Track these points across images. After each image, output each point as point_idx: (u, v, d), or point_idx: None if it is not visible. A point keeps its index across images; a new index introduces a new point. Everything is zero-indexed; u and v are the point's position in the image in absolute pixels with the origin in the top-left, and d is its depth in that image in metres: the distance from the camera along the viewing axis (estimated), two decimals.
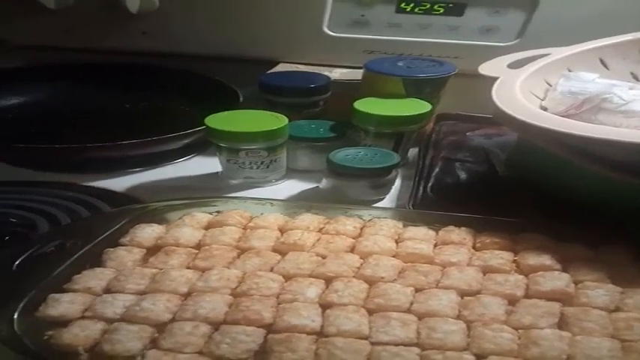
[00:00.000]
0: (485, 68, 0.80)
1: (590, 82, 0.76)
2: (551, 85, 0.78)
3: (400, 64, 0.92)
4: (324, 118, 0.91)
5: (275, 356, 0.44)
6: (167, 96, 1.08)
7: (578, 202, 0.63)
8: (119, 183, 0.81)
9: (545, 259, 0.55)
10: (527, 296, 0.50)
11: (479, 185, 0.78)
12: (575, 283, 0.52)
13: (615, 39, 0.84)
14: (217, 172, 0.84)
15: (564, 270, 0.53)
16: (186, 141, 0.87)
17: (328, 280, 0.53)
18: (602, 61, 0.83)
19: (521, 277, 0.53)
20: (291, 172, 0.84)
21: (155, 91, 1.08)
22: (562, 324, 0.47)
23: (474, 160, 0.83)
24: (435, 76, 0.89)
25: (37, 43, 1.18)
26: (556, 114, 0.68)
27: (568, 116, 0.68)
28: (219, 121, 0.80)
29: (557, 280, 0.52)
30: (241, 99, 0.98)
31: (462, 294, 0.51)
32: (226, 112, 0.83)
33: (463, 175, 0.79)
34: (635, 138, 0.55)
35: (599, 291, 0.50)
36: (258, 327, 0.47)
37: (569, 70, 0.81)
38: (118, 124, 1.02)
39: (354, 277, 0.53)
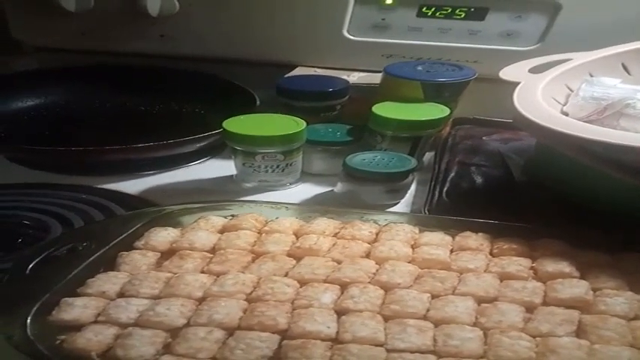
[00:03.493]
0: (507, 73, 0.80)
1: (613, 87, 0.76)
2: (572, 91, 0.78)
3: (420, 68, 0.91)
4: (341, 121, 0.91)
5: None
6: (183, 99, 1.08)
7: (597, 209, 0.63)
8: (133, 186, 0.82)
9: (564, 266, 0.54)
10: (544, 303, 0.50)
11: (495, 190, 0.78)
12: (594, 291, 0.51)
13: (637, 44, 0.84)
14: (232, 176, 0.84)
15: (582, 277, 0.53)
16: (201, 144, 0.87)
17: (344, 286, 0.52)
18: (624, 66, 0.83)
19: (539, 284, 0.52)
20: (306, 176, 0.84)
21: (171, 93, 1.08)
22: (580, 332, 0.47)
23: (490, 164, 0.83)
24: (454, 80, 0.88)
25: (54, 46, 1.18)
26: (578, 119, 0.68)
27: (590, 122, 0.68)
28: (237, 124, 0.80)
29: (576, 287, 0.51)
30: (258, 102, 0.98)
31: (479, 301, 0.50)
32: (244, 116, 0.83)
33: (479, 180, 0.79)
34: None
35: (618, 299, 0.50)
36: (273, 333, 0.47)
37: (591, 76, 0.80)
38: (133, 126, 1.03)
39: (369, 282, 0.53)
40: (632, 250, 0.57)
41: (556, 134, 0.61)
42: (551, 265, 0.54)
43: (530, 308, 0.49)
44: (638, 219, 0.60)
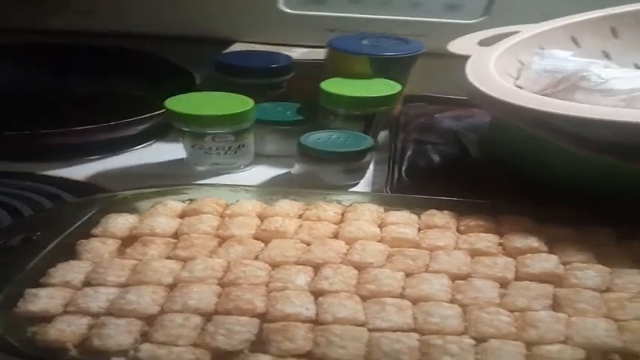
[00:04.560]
0: (455, 46, 0.81)
1: (565, 60, 0.78)
2: (524, 64, 0.80)
3: (365, 42, 0.92)
4: (289, 100, 0.91)
5: (273, 345, 0.45)
6: (116, 79, 1.06)
7: (555, 185, 0.65)
8: (78, 171, 0.81)
9: (532, 242, 0.57)
10: (517, 279, 0.52)
11: (453, 168, 0.80)
12: (563, 265, 0.54)
13: (586, 15, 0.86)
14: (181, 159, 0.84)
15: (551, 251, 0.56)
16: (144, 126, 0.87)
17: (316, 267, 0.54)
18: (573, 39, 0.85)
19: (510, 259, 0.54)
20: (259, 158, 0.85)
21: (102, 73, 1.06)
22: (555, 306, 0.49)
23: (446, 142, 0.85)
24: (403, 54, 0.89)
25: None
26: (533, 93, 0.70)
27: (545, 96, 0.70)
28: (180, 104, 0.79)
29: (545, 261, 0.54)
30: (198, 81, 0.98)
31: (453, 277, 0.52)
32: (186, 95, 0.82)
33: (437, 158, 0.81)
34: (616, 116, 0.57)
35: (589, 272, 0.52)
36: (252, 317, 0.48)
37: (541, 48, 0.83)
38: (66, 109, 1.00)
39: (341, 263, 0.54)
40: (595, 224, 0.60)
41: (513, 107, 0.63)
42: (519, 241, 0.57)
43: (503, 284, 0.52)
44: (599, 193, 0.62)
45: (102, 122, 0.82)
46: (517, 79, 0.78)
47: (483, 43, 0.82)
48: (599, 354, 0.45)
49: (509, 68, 0.79)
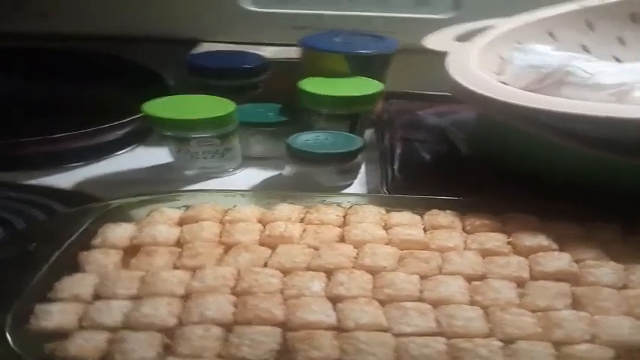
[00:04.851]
0: (431, 42, 0.81)
1: (547, 54, 0.79)
2: (504, 60, 0.81)
3: (337, 39, 0.91)
4: (268, 101, 0.90)
5: (301, 355, 0.45)
6: (84, 83, 1.01)
7: (550, 181, 0.66)
8: (62, 179, 0.80)
9: (541, 240, 0.57)
10: (532, 278, 0.53)
11: (445, 165, 0.81)
12: (576, 262, 0.55)
13: (560, 9, 0.87)
14: (167, 163, 0.83)
15: (561, 249, 0.56)
16: (124, 131, 0.85)
17: (328, 273, 0.54)
18: (550, 33, 0.86)
19: (522, 258, 0.55)
20: (247, 160, 0.84)
21: (69, 77, 1.02)
22: (575, 304, 0.50)
23: (433, 139, 0.86)
24: (380, 51, 0.89)
25: None
26: (518, 89, 0.70)
27: (532, 91, 0.71)
28: (159, 108, 0.77)
29: (558, 260, 0.54)
30: (172, 83, 0.97)
31: (468, 279, 0.53)
32: (163, 98, 0.81)
33: (427, 156, 0.82)
34: (609, 112, 0.58)
35: (604, 269, 0.53)
36: (272, 326, 0.48)
37: (519, 43, 0.84)
38: (37, 116, 0.96)
39: (354, 267, 0.54)
40: (598, 219, 0.61)
41: (502, 105, 0.63)
42: (528, 239, 0.58)
43: (520, 283, 0.52)
44: (596, 188, 0.63)
45: (76, 129, 0.81)
46: (499, 74, 0.79)
47: (459, 38, 0.82)
48: (627, 352, 0.45)
49: (490, 64, 0.79)
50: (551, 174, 0.68)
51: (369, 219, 0.62)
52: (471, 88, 0.67)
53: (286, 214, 0.63)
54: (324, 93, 0.82)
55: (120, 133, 0.86)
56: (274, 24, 1.06)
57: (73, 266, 0.56)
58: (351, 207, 0.64)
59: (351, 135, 0.80)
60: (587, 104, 0.61)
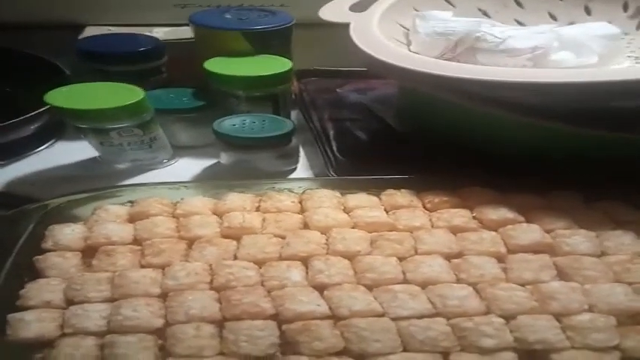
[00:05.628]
0: (327, 13, 0.80)
1: (450, 20, 0.80)
2: (407, 29, 0.81)
3: (228, 16, 0.88)
4: (170, 85, 0.88)
5: (304, 346, 0.45)
6: None
7: (489, 151, 0.67)
8: None
9: (506, 212, 0.59)
10: (509, 252, 0.55)
11: (383, 143, 0.81)
12: (547, 232, 0.56)
13: None
14: (93, 158, 0.80)
15: (528, 221, 0.58)
16: (35, 125, 0.81)
17: (303, 261, 0.54)
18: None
19: (494, 233, 0.57)
20: (178, 150, 0.82)
21: None
22: (561, 275, 0.52)
23: (362, 117, 0.86)
24: (278, 26, 0.86)
25: None
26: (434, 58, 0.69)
27: (447, 60, 0.71)
28: (64, 98, 0.73)
29: (530, 232, 0.56)
30: (68, 72, 0.93)
31: (447, 257, 0.54)
32: (67, 88, 0.76)
33: (363, 135, 0.82)
34: (535, 78, 0.59)
35: (577, 238, 0.55)
36: (264, 319, 0.48)
37: (416, 10, 0.84)
38: None
39: (328, 253, 0.55)
40: (555, 188, 0.63)
41: (432, 77, 0.63)
42: (492, 213, 0.59)
43: (499, 258, 0.54)
44: (535, 156, 0.65)
45: None
46: (408, 45, 0.79)
47: (355, 8, 0.81)
48: (628, 318, 0.47)
49: (394, 33, 0.79)
50: (484, 144, 0.68)
51: (326, 203, 0.61)
52: (390, 61, 0.66)
53: (239, 203, 0.62)
54: (235, 74, 0.79)
55: (32, 127, 0.82)
56: (155, 3, 1.02)
57: (31, 271, 0.54)
58: (304, 192, 0.64)
59: (278, 117, 0.78)
60: (511, 70, 0.63)
